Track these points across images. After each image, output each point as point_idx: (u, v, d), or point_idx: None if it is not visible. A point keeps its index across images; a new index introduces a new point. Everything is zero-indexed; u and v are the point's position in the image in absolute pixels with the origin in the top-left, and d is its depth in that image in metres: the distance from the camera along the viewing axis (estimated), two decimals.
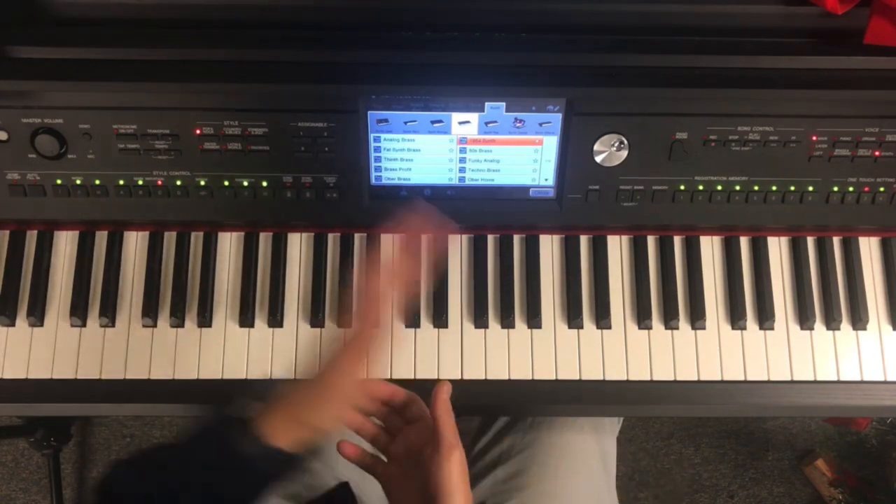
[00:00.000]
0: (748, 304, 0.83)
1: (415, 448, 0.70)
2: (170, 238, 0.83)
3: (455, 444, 0.66)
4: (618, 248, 0.84)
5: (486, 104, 0.74)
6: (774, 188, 0.78)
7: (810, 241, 0.85)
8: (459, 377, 0.80)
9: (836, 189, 0.79)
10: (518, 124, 0.76)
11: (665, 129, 0.75)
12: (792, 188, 0.78)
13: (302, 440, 0.63)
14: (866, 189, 0.79)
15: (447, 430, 0.67)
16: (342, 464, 0.92)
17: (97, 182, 0.77)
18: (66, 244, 0.83)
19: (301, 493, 0.88)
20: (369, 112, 0.75)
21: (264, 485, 0.64)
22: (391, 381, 0.80)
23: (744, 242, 0.85)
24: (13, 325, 0.81)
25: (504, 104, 0.74)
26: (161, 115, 0.73)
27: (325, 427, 0.65)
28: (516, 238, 0.84)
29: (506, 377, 0.81)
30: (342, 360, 0.66)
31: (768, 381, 0.81)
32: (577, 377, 0.81)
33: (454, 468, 0.64)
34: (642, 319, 0.82)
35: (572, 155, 0.76)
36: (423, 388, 0.79)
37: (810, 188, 0.78)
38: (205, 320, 0.81)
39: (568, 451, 0.92)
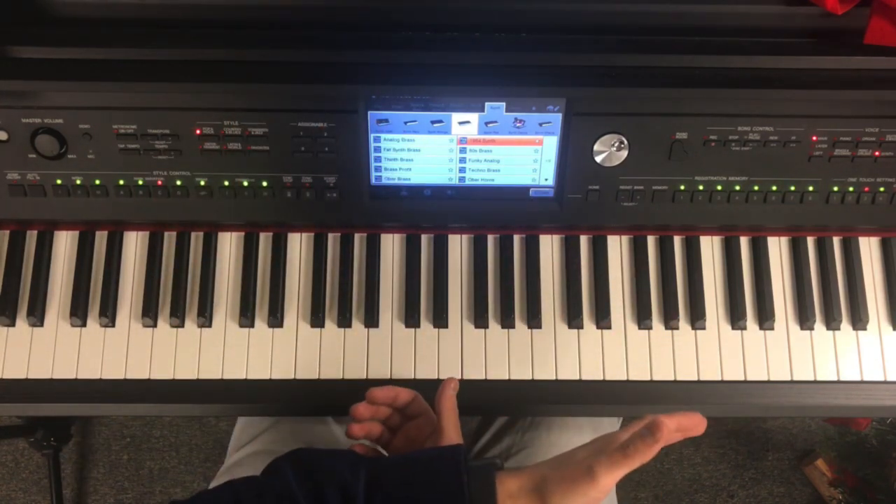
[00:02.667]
0: (748, 304, 0.83)
1: (416, 442, 0.70)
2: (170, 238, 0.83)
3: (456, 439, 0.65)
4: (618, 248, 0.84)
5: (486, 104, 0.74)
6: (774, 188, 0.78)
7: (810, 241, 0.85)
8: (459, 377, 0.80)
9: (836, 189, 0.79)
10: (518, 124, 0.76)
11: (665, 129, 0.75)
12: (792, 188, 0.78)
13: None
14: (866, 189, 0.79)
15: (449, 425, 0.66)
16: None
17: (97, 182, 0.77)
18: (66, 244, 0.83)
19: None
20: (369, 112, 0.75)
21: None
22: (391, 381, 0.80)
23: (744, 242, 0.85)
24: (13, 325, 0.81)
25: (504, 104, 0.74)
26: (161, 115, 0.73)
27: None
28: (516, 238, 0.84)
29: (506, 377, 0.81)
30: (619, 456, 0.57)
31: (768, 381, 0.81)
32: (577, 377, 0.81)
33: None
34: (642, 319, 0.82)
35: (572, 155, 0.77)
36: (423, 388, 0.79)
37: (810, 188, 0.78)
38: (205, 320, 0.81)
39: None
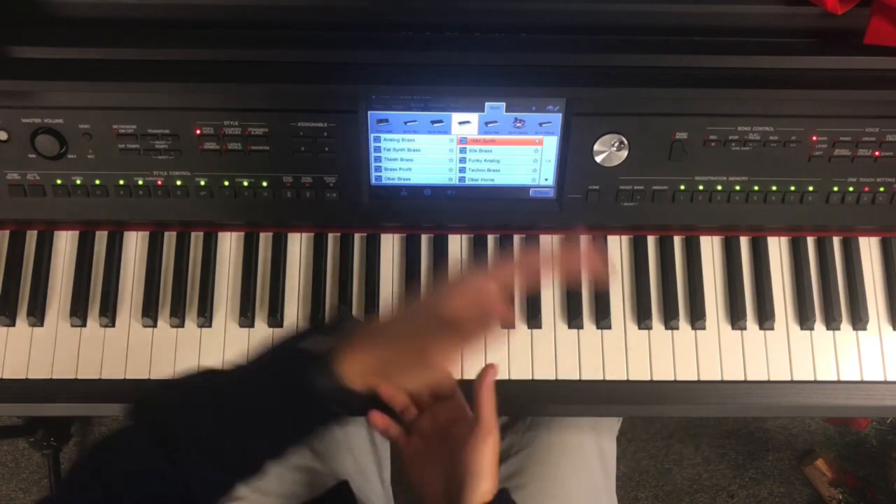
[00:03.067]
0: (748, 304, 0.83)
1: (443, 425, 0.69)
2: (170, 238, 0.83)
3: (493, 427, 0.65)
4: (618, 248, 0.84)
5: (486, 104, 0.74)
6: (774, 188, 0.78)
7: (810, 241, 0.85)
8: (460, 377, 0.80)
9: (836, 189, 0.79)
10: (518, 124, 0.76)
11: (665, 129, 0.75)
12: (792, 188, 0.78)
13: (373, 386, 0.62)
14: (866, 189, 0.79)
15: (488, 412, 0.66)
16: (341, 463, 0.92)
17: (97, 182, 0.77)
18: (66, 244, 0.83)
19: (300, 493, 0.88)
20: (369, 112, 0.75)
21: (325, 423, 0.63)
22: None
23: (744, 242, 0.85)
24: (13, 325, 0.81)
25: (504, 104, 0.74)
26: (161, 115, 0.73)
27: (406, 387, 0.64)
28: (516, 238, 0.84)
29: (506, 377, 0.81)
30: (452, 338, 0.62)
31: (768, 381, 0.81)
32: (577, 377, 0.81)
33: (488, 451, 0.63)
34: (642, 319, 0.82)
35: (572, 155, 0.76)
36: None
37: (810, 188, 0.78)
38: (205, 320, 0.81)
39: (567, 451, 0.92)
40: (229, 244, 0.83)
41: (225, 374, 0.63)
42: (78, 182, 0.76)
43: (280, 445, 0.62)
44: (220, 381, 0.62)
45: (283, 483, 0.88)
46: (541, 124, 0.76)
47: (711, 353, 0.82)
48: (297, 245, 0.84)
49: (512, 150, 0.78)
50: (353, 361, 0.60)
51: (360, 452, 0.96)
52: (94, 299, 0.82)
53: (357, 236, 0.84)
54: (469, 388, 0.81)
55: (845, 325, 0.83)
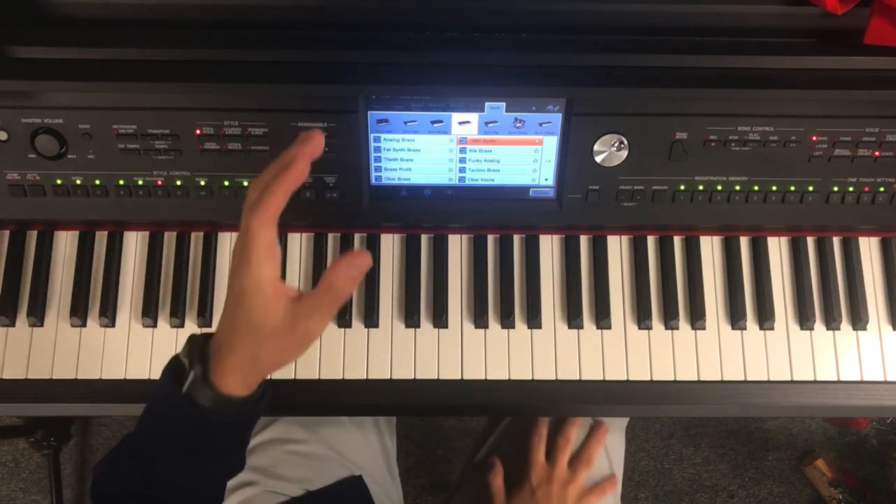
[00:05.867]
0: (748, 305, 0.83)
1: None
2: (170, 238, 0.83)
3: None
4: (618, 248, 0.84)
5: (486, 104, 0.74)
6: (774, 188, 0.78)
7: (810, 241, 0.85)
8: (459, 377, 0.80)
9: (836, 189, 0.79)
10: (518, 124, 0.76)
11: (665, 129, 0.75)
12: (792, 188, 0.78)
13: (254, 380, 0.60)
14: (866, 189, 0.79)
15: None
16: (355, 454, 0.93)
17: (97, 182, 0.77)
18: (66, 244, 0.83)
19: (311, 478, 0.88)
20: (369, 112, 0.75)
21: (238, 436, 0.63)
22: (391, 381, 0.80)
23: (744, 242, 0.85)
24: (13, 325, 0.81)
25: (504, 104, 0.74)
26: (161, 115, 0.73)
27: (280, 362, 0.60)
28: (516, 238, 0.84)
29: (506, 377, 0.81)
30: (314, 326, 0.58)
31: (768, 381, 0.81)
32: (577, 377, 0.81)
33: None
34: (642, 319, 0.82)
35: (572, 155, 0.77)
36: (424, 389, 0.80)
37: (810, 188, 0.79)
38: (205, 320, 0.81)
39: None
40: (229, 244, 0.83)
41: (135, 438, 0.62)
42: (78, 182, 0.77)
43: (215, 479, 0.64)
44: (133, 445, 0.62)
45: (294, 468, 0.89)
46: (541, 124, 0.76)
47: (711, 353, 0.82)
48: (298, 245, 0.84)
49: (512, 150, 0.78)
50: (224, 372, 0.58)
51: (370, 444, 0.97)
52: (94, 299, 0.82)
53: (357, 236, 0.84)
54: (469, 388, 0.81)
55: (845, 325, 0.83)
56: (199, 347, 0.60)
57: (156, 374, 0.80)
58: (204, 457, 0.61)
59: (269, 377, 0.64)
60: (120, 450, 0.62)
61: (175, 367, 0.60)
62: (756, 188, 0.78)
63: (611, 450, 0.97)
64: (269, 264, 0.56)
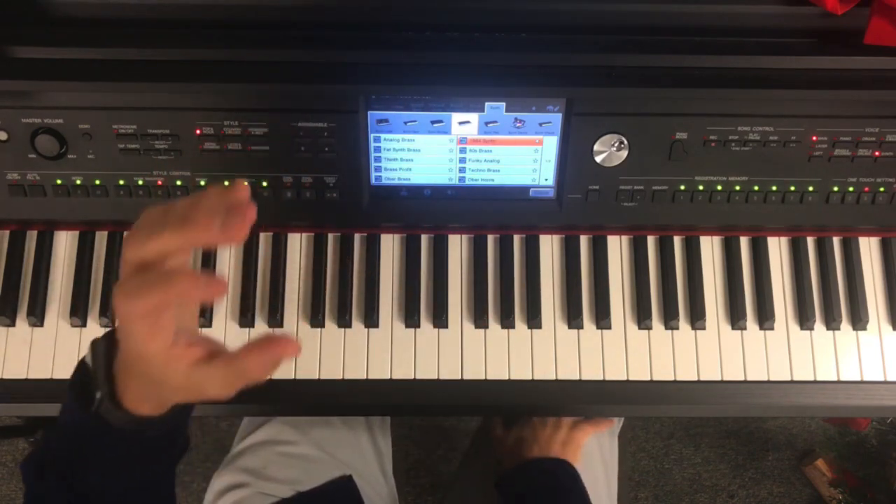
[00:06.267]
0: (748, 304, 0.83)
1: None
2: None
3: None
4: (618, 248, 0.84)
5: (486, 104, 0.74)
6: (774, 188, 0.78)
7: (810, 241, 0.85)
8: (459, 377, 0.80)
9: (836, 189, 0.79)
10: (518, 124, 0.76)
11: (665, 129, 0.75)
12: (792, 188, 0.78)
13: (166, 405, 0.54)
14: (866, 189, 0.79)
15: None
16: (347, 455, 0.93)
17: (97, 182, 0.77)
18: (66, 244, 0.83)
19: (301, 479, 0.88)
20: (369, 112, 0.75)
21: (164, 442, 0.57)
22: (391, 381, 0.80)
23: (744, 242, 0.85)
24: (13, 325, 0.81)
25: (504, 104, 0.74)
26: (161, 115, 0.73)
27: (191, 401, 0.55)
28: (516, 238, 0.84)
29: (506, 377, 0.81)
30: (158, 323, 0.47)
31: (768, 381, 0.81)
32: (577, 377, 0.81)
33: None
34: (642, 319, 0.82)
35: (572, 155, 0.77)
36: (424, 389, 0.80)
37: (810, 188, 0.79)
38: (205, 321, 0.81)
39: None
40: (229, 245, 0.83)
41: (57, 445, 0.57)
42: (78, 182, 0.77)
43: (152, 478, 0.59)
44: (57, 454, 0.57)
45: (285, 469, 0.89)
46: (541, 124, 0.76)
47: (711, 353, 0.82)
48: (297, 245, 0.84)
49: (512, 150, 0.78)
50: (131, 397, 0.52)
51: (361, 444, 0.97)
52: (94, 299, 0.82)
53: (357, 236, 0.84)
54: (469, 388, 0.81)
55: (845, 325, 0.83)
56: (103, 360, 0.52)
57: None
58: (131, 465, 0.56)
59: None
60: (41, 456, 0.58)
61: (81, 381, 0.53)
62: (756, 188, 0.78)
63: (604, 449, 0.97)
64: (155, 342, 0.46)
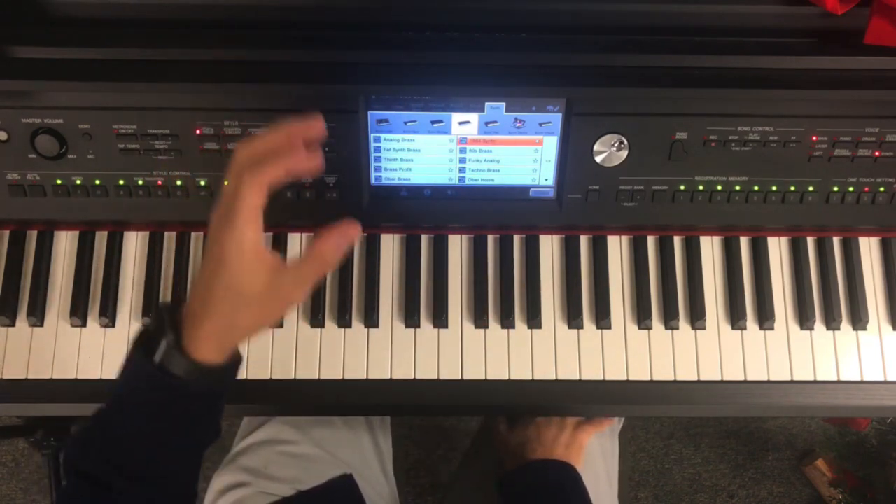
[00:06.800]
0: (748, 304, 0.83)
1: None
2: (170, 238, 0.83)
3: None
4: (618, 248, 0.84)
5: (486, 104, 0.74)
6: (774, 188, 0.78)
7: (810, 241, 0.85)
8: (459, 377, 0.80)
9: (836, 189, 0.79)
10: (518, 124, 0.76)
11: (665, 129, 0.75)
12: (792, 188, 0.78)
13: (229, 347, 0.59)
14: (866, 189, 0.79)
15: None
16: (347, 455, 0.93)
17: (97, 182, 0.77)
18: (66, 244, 0.83)
19: (302, 479, 0.88)
20: (369, 112, 0.75)
21: (212, 404, 0.61)
22: (391, 381, 0.80)
23: (744, 242, 0.85)
24: (13, 325, 0.81)
25: (504, 104, 0.74)
26: (161, 115, 0.73)
27: (256, 329, 0.60)
28: (516, 238, 0.84)
29: (506, 377, 0.81)
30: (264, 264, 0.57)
31: (768, 382, 0.81)
32: (577, 377, 0.81)
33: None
34: (642, 319, 0.82)
35: (572, 155, 0.77)
36: (424, 389, 0.80)
37: (810, 188, 0.79)
38: None
39: None
40: None
41: (109, 410, 0.60)
42: (78, 182, 0.76)
43: (192, 450, 0.62)
44: (108, 418, 0.60)
45: (286, 469, 0.89)
46: (541, 124, 0.76)
47: (711, 353, 0.82)
48: (298, 245, 0.84)
49: (512, 150, 0.78)
50: (198, 340, 0.57)
51: (362, 444, 0.97)
52: (94, 299, 0.82)
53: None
54: (469, 388, 0.81)
55: (845, 325, 0.83)
56: (169, 314, 0.58)
57: None
58: (177, 426, 0.59)
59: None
60: (92, 424, 0.60)
61: (145, 338, 0.58)
62: (756, 188, 0.78)
63: (605, 448, 0.97)
64: (253, 228, 0.55)
